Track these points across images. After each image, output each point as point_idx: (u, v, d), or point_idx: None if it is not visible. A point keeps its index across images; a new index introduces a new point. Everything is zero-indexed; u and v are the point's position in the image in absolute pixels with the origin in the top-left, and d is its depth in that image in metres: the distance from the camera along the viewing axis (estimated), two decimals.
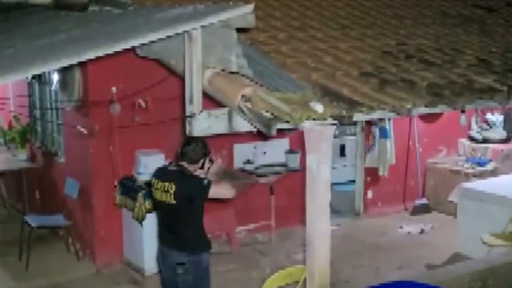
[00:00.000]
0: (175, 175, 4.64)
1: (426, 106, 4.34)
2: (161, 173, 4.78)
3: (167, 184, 4.60)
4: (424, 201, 9.02)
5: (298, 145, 7.25)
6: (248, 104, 3.98)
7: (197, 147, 4.62)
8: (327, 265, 4.50)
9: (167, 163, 5.11)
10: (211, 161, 4.77)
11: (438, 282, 4.61)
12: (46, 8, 6.47)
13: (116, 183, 6.83)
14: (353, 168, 8.90)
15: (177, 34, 4.11)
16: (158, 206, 4.89)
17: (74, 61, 3.81)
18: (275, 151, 7.78)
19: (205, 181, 4.59)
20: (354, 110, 3.95)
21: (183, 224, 4.67)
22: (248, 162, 7.62)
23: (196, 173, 4.69)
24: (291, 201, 7.67)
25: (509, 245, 6.10)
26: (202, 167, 4.72)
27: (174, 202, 4.59)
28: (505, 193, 6.91)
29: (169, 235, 4.77)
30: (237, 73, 4.11)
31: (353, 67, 4.71)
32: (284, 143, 7.87)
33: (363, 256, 7.32)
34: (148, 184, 5.10)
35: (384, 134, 8.48)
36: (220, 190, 4.65)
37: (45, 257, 7.09)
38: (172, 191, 4.57)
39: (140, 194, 6.49)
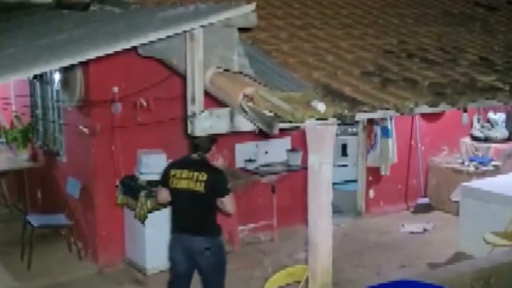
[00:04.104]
0: (203, 165, 5.09)
1: (428, 105, 4.33)
2: (184, 164, 5.16)
3: (196, 173, 5.00)
4: (426, 200, 9.01)
5: (300, 144, 7.25)
6: (250, 103, 3.97)
7: (205, 137, 4.90)
8: (329, 264, 4.50)
9: (184, 156, 5.39)
10: None
11: (440, 281, 4.60)
12: (47, 7, 6.47)
13: (118, 183, 6.84)
14: (355, 167, 8.89)
15: (179, 33, 4.10)
16: (179, 195, 5.15)
17: (75, 60, 3.81)
18: (276, 150, 7.78)
19: (229, 186, 5.18)
20: (356, 109, 3.94)
21: (206, 211, 5.10)
22: (250, 161, 7.61)
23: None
24: (293, 200, 7.67)
25: None
26: None
27: (203, 190, 4.98)
28: (507, 192, 6.91)
29: (190, 222, 5.11)
30: (239, 72, 4.11)
31: (355, 66, 4.70)
32: (285, 142, 7.86)
33: (365, 255, 7.32)
34: (164, 175, 5.27)
35: (386, 133, 8.47)
36: (230, 203, 5.10)
37: (47, 256, 7.09)
38: (203, 180, 4.98)
39: (142, 194, 6.50)
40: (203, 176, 4.98)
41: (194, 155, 5.14)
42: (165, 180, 5.21)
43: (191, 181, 5.01)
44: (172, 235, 5.27)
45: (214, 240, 5.13)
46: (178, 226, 5.21)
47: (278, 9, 5.79)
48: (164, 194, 5.29)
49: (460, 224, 7.40)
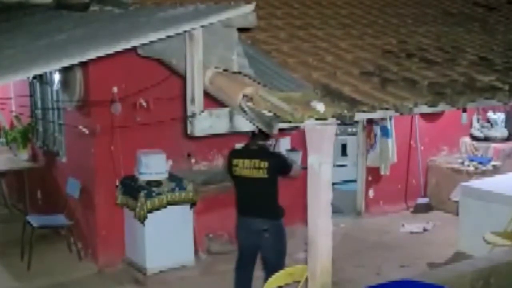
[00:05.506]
0: (262, 153, 5.53)
1: (427, 105, 4.33)
2: (245, 153, 5.62)
3: (257, 161, 5.45)
4: (425, 200, 9.02)
5: (300, 144, 7.23)
6: (250, 104, 3.97)
7: None
8: (329, 264, 4.50)
9: (242, 145, 5.92)
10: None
11: (440, 281, 4.60)
12: (47, 8, 6.47)
13: (118, 183, 6.84)
14: (355, 167, 8.89)
15: (179, 33, 4.11)
16: (243, 182, 5.62)
17: (75, 61, 3.80)
18: (276, 150, 7.75)
19: (289, 160, 5.75)
20: (355, 109, 3.94)
21: (268, 194, 5.54)
22: None
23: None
24: (292, 200, 7.63)
25: (511, 244, 6.10)
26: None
27: (266, 176, 5.43)
28: (507, 191, 6.91)
29: (253, 206, 5.58)
30: (238, 72, 4.11)
31: (354, 66, 4.70)
32: (285, 142, 7.85)
33: (364, 255, 7.32)
34: (227, 164, 5.82)
35: (385, 133, 8.48)
36: (296, 173, 5.70)
37: (47, 257, 7.10)
38: (265, 167, 5.42)
39: (141, 194, 6.50)
40: (265, 164, 5.42)
41: (252, 145, 5.57)
42: (229, 168, 5.73)
43: (253, 169, 5.46)
44: (237, 217, 5.72)
45: (273, 222, 5.55)
46: (242, 210, 5.68)
47: (278, 9, 5.79)
48: None
49: (460, 224, 7.41)
